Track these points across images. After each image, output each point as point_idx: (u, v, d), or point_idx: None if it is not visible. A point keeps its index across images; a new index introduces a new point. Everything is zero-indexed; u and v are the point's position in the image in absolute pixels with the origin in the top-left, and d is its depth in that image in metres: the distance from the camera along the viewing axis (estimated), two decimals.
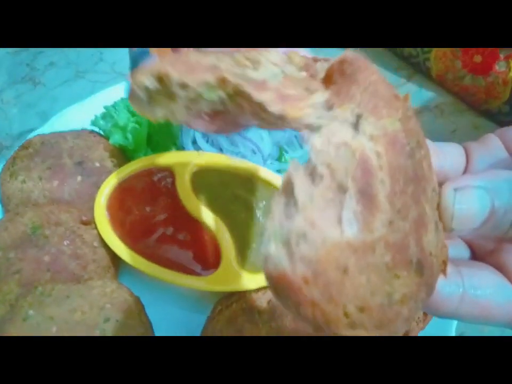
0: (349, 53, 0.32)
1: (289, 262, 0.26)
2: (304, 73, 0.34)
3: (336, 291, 0.26)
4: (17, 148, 0.85)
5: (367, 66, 0.31)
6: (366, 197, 0.27)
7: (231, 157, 0.83)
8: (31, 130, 0.93)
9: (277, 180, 0.81)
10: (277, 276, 0.26)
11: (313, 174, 0.27)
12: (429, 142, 0.39)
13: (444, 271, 0.32)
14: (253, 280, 0.72)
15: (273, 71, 0.33)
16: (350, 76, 0.30)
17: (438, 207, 0.32)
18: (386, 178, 0.28)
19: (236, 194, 0.81)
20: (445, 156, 0.40)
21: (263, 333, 0.67)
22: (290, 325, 0.67)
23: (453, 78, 1.04)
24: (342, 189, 0.27)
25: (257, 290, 0.72)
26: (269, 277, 0.27)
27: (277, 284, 0.26)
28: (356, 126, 0.29)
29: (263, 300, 0.70)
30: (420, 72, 1.16)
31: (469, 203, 0.32)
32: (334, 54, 0.33)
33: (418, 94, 1.15)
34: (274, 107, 0.30)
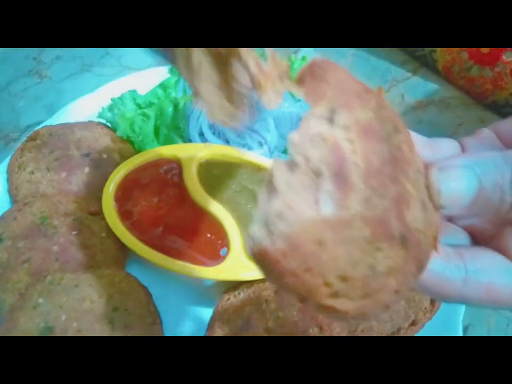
0: (317, 57, 0.34)
1: (268, 239, 0.28)
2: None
3: (313, 262, 0.28)
4: (24, 139, 0.85)
5: (334, 67, 0.34)
6: (340, 179, 0.29)
7: (237, 149, 0.84)
8: (38, 122, 0.93)
9: None
10: (258, 252, 0.29)
11: (291, 165, 0.30)
12: (424, 137, 0.41)
13: (435, 247, 0.33)
14: (259, 271, 0.72)
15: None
16: (320, 76, 0.33)
17: (427, 187, 0.34)
18: (360, 160, 0.30)
19: (242, 186, 0.82)
20: (440, 150, 0.41)
21: (270, 322, 0.68)
22: (298, 315, 0.67)
23: (459, 70, 1.04)
24: (317, 174, 0.29)
25: (264, 280, 0.72)
26: (252, 255, 0.29)
27: (259, 259, 0.29)
28: (331, 120, 0.31)
29: (271, 290, 0.71)
30: (426, 65, 1.15)
31: (454, 181, 0.33)
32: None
33: (424, 87, 1.15)
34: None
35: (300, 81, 0.34)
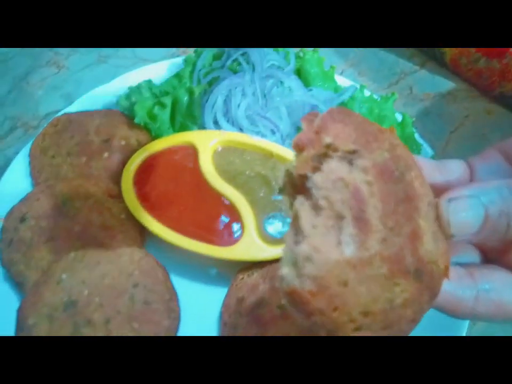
0: (333, 108, 0.37)
1: (298, 280, 0.32)
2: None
3: (339, 301, 0.31)
4: (45, 125, 0.88)
5: (351, 113, 0.37)
6: (361, 221, 0.32)
7: (251, 136, 0.86)
8: (57, 111, 0.96)
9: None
10: (289, 291, 0.32)
11: (315, 207, 0.33)
12: (432, 161, 0.44)
13: (446, 275, 0.36)
14: (272, 252, 0.75)
15: None
16: (342, 120, 0.36)
17: (437, 217, 0.37)
18: (378, 203, 0.33)
19: (256, 172, 0.84)
20: (448, 172, 0.43)
21: (284, 300, 0.70)
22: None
23: (466, 62, 1.06)
24: (339, 217, 0.32)
25: (277, 260, 0.75)
26: (284, 294, 0.33)
27: (290, 298, 0.33)
28: (350, 162, 0.34)
29: None
30: (433, 59, 1.18)
31: (463, 211, 0.35)
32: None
33: (431, 80, 1.17)
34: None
35: (324, 127, 0.35)
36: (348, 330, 0.33)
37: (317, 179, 0.33)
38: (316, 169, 0.35)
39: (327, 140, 0.35)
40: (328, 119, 0.36)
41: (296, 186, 0.36)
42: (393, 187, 0.34)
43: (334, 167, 0.34)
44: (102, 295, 0.68)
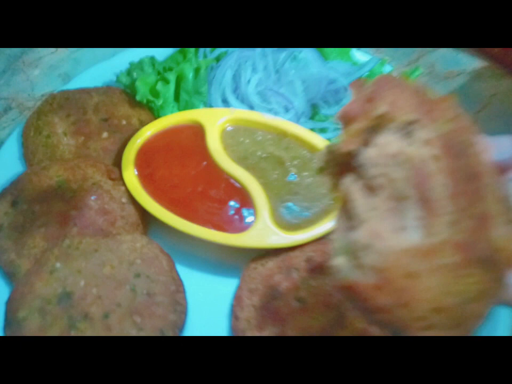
0: (383, 75, 0.34)
1: (359, 272, 0.27)
2: None
3: (408, 296, 0.27)
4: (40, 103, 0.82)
5: (405, 79, 0.33)
6: (427, 202, 0.28)
7: (263, 114, 0.79)
8: (54, 91, 0.89)
9: (311, 137, 0.77)
10: (348, 286, 0.28)
11: (369, 187, 0.29)
12: (485, 136, 0.38)
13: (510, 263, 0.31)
14: (288, 238, 0.68)
15: None
16: (398, 85, 0.31)
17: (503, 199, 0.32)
18: (446, 180, 0.28)
19: (268, 152, 0.77)
20: (501, 148, 0.40)
21: (302, 291, 0.63)
22: (332, 284, 0.63)
23: None
24: (401, 198, 0.28)
25: (294, 248, 0.68)
26: (341, 288, 0.29)
27: (350, 294, 0.28)
28: (409, 133, 0.30)
29: (301, 258, 0.66)
30: None
31: None
32: None
33: (455, 58, 1.09)
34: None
35: (378, 93, 0.31)
36: (418, 330, 0.28)
37: (370, 154, 0.29)
38: (367, 143, 0.30)
39: (383, 108, 0.30)
40: (383, 84, 0.31)
41: (341, 164, 0.32)
42: (460, 162, 0.29)
43: (391, 139, 0.29)
44: (100, 286, 0.61)
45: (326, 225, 0.69)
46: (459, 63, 1.09)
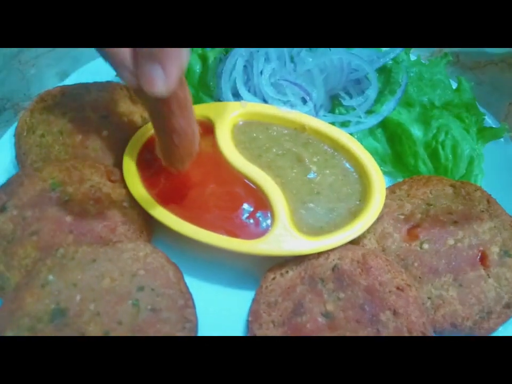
0: None
1: None
2: None
3: None
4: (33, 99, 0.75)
5: None
6: None
7: (278, 107, 0.72)
8: None
9: (333, 131, 0.69)
10: None
11: None
12: None
13: None
14: (311, 244, 0.60)
15: None
16: None
17: None
18: None
19: (285, 149, 0.70)
20: None
21: (330, 305, 0.55)
22: (364, 296, 0.55)
23: None
24: None
25: (318, 255, 0.60)
26: None
27: None
28: None
29: (327, 267, 0.58)
30: None
31: None
32: None
33: (479, 48, 1.01)
34: None
35: None
36: None
37: None
38: None
39: None
40: None
41: None
42: None
43: None
44: (98, 301, 0.54)
45: (353, 229, 0.61)
46: (486, 53, 1.01)
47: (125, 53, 0.49)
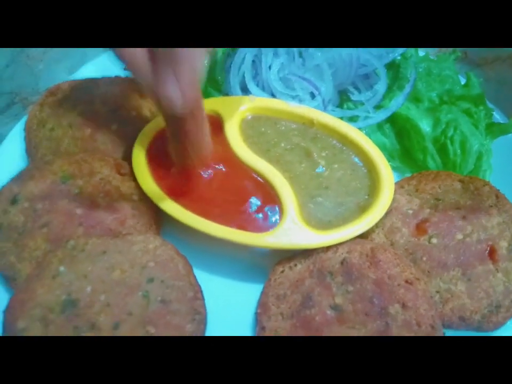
0: None
1: None
2: None
3: None
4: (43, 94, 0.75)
5: None
6: None
7: (286, 102, 0.72)
8: None
9: (341, 126, 0.69)
10: None
11: None
12: None
13: None
14: (319, 238, 0.60)
15: None
16: None
17: None
18: None
19: (294, 143, 0.70)
20: None
21: (338, 298, 0.55)
22: (373, 289, 0.55)
23: None
24: None
25: (326, 249, 0.60)
26: None
27: None
28: None
29: (335, 260, 0.59)
30: None
31: None
32: None
33: None
34: None
35: None
36: None
37: None
38: None
39: None
40: None
41: None
42: None
43: None
44: (108, 292, 0.54)
45: (362, 223, 0.61)
46: (493, 49, 1.01)
47: (142, 59, 0.49)
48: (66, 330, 0.52)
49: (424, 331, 0.52)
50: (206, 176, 0.66)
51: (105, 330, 0.52)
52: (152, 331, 0.53)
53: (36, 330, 0.52)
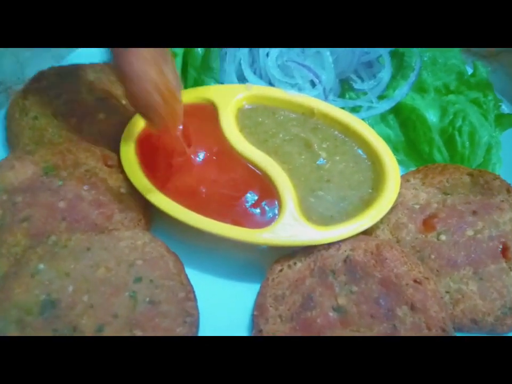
0: None
1: None
2: None
3: None
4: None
5: None
6: None
7: (285, 90, 0.68)
8: None
9: (343, 115, 0.65)
10: None
11: None
12: None
13: None
14: (320, 234, 0.56)
15: None
16: None
17: None
18: None
19: (293, 134, 0.66)
20: None
21: (342, 298, 0.52)
22: (379, 289, 0.51)
23: None
24: None
25: (328, 246, 0.56)
26: None
27: None
28: None
29: (338, 258, 0.55)
30: None
31: None
32: None
33: None
34: None
35: None
36: None
37: None
38: None
39: None
40: None
41: None
42: None
43: None
44: (92, 292, 0.51)
45: (365, 219, 0.57)
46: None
47: None
48: (45, 334, 0.48)
49: (434, 335, 0.48)
50: (199, 160, 0.62)
51: (88, 334, 0.48)
52: (139, 334, 0.49)
53: (11, 334, 0.48)
